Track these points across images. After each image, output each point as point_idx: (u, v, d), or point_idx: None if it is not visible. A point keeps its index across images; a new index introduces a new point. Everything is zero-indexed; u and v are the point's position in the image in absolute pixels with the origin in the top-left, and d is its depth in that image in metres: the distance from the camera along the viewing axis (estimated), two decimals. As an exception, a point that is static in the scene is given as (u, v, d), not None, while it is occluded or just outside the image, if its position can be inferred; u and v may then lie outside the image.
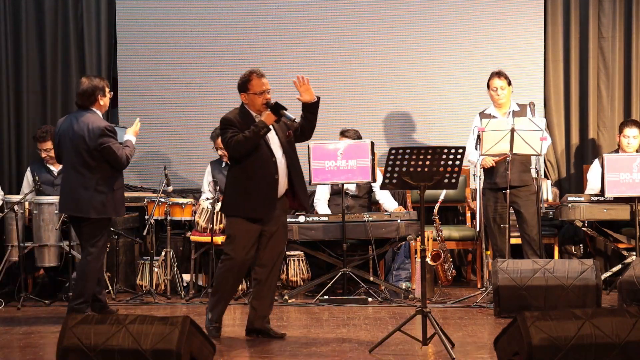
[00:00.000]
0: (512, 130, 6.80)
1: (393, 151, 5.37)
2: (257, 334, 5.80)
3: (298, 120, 5.75)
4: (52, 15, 8.46)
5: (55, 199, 7.32)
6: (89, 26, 8.46)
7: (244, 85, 5.69)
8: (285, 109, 5.61)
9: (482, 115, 7.30)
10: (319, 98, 5.68)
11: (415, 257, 7.56)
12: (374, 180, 7.23)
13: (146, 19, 8.52)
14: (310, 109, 5.69)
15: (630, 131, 7.58)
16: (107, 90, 6.46)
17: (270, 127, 5.61)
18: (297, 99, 5.68)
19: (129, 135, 6.52)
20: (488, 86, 7.29)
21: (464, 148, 5.40)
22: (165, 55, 8.51)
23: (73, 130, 6.33)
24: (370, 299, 7.10)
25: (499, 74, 7.23)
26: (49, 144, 7.59)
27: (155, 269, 7.50)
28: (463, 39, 8.48)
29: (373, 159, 7.18)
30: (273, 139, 5.69)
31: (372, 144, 7.22)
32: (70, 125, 6.36)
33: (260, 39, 8.48)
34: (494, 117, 7.21)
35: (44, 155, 7.66)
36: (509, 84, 7.24)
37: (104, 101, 6.43)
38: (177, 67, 8.51)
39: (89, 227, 6.38)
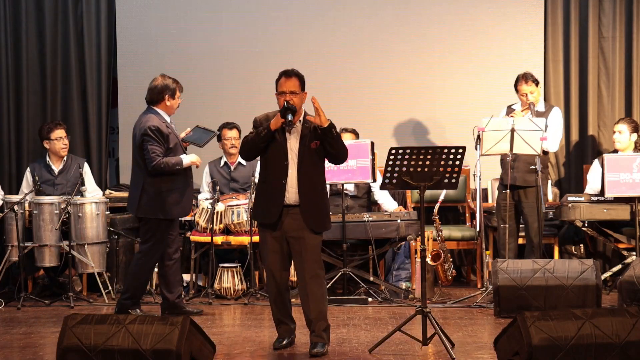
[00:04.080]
0: (512, 130, 6.81)
1: (393, 151, 5.37)
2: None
3: (297, 125, 5.46)
4: (52, 15, 8.45)
5: (55, 199, 7.34)
6: (89, 26, 8.46)
7: (275, 85, 5.57)
8: (293, 113, 5.34)
9: (509, 109, 7.33)
10: (330, 126, 5.35)
11: (415, 257, 7.56)
12: (374, 180, 7.24)
13: (146, 19, 8.52)
14: (321, 136, 5.39)
15: (617, 126, 7.64)
16: (178, 94, 6.50)
17: (289, 131, 5.41)
18: (309, 119, 5.43)
19: (187, 156, 6.46)
20: (516, 90, 7.23)
21: (464, 148, 5.40)
22: (165, 55, 8.50)
23: (134, 129, 6.47)
24: (370, 299, 7.10)
25: (526, 79, 7.15)
26: (60, 132, 7.65)
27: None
28: (463, 39, 8.47)
29: (373, 159, 7.18)
30: (292, 144, 5.46)
31: (372, 144, 7.22)
32: (135, 124, 6.50)
33: (261, 39, 8.48)
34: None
35: (61, 145, 7.67)
36: (537, 84, 7.22)
37: (171, 103, 6.47)
38: (177, 67, 8.50)
39: (141, 226, 6.48)
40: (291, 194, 5.44)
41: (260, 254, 5.77)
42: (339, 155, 5.50)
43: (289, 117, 5.34)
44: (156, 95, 6.46)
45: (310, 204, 5.45)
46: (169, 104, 6.48)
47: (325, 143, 5.41)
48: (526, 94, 7.17)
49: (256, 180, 7.66)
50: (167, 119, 6.49)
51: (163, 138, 6.34)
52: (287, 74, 5.51)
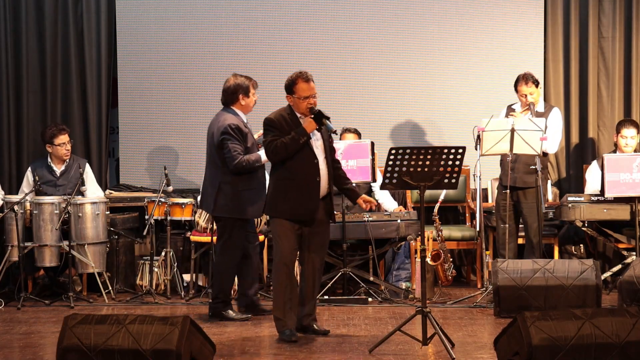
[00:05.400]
0: (512, 130, 6.81)
1: (393, 151, 5.38)
2: (304, 332, 5.85)
3: (338, 131, 6.01)
4: (52, 15, 8.45)
5: (55, 198, 7.34)
6: (89, 26, 8.46)
7: (290, 88, 5.76)
8: (328, 119, 5.71)
9: (509, 109, 7.32)
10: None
11: (415, 257, 7.56)
12: (374, 180, 7.24)
13: (146, 19, 8.52)
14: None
15: (628, 131, 7.56)
16: (252, 91, 6.48)
17: (313, 133, 5.73)
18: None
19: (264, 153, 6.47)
20: (516, 90, 7.22)
21: (464, 148, 5.41)
22: (165, 55, 8.50)
23: (210, 127, 6.48)
24: (370, 299, 7.10)
25: (526, 80, 7.12)
26: (64, 137, 7.65)
27: (155, 269, 7.50)
28: (463, 39, 8.47)
29: (373, 159, 7.18)
30: (316, 142, 5.78)
31: (372, 144, 7.22)
32: (211, 123, 6.52)
33: (261, 39, 8.48)
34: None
35: (64, 151, 7.67)
36: (537, 85, 7.19)
37: (246, 101, 6.45)
38: (177, 67, 8.51)
39: (218, 225, 6.50)
40: (323, 189, 5.79)
41: (275, 244, 5.80)
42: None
43: (331, 126, 5.72)
44: (230, 96, 6.45)
45: (331, 196, 5.89)
46: (244, 103, 6.46)
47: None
48: (526, 95, 7.16)
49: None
50: (244, 118, 6.50)
51: (242, 136, 6.36)
52: (306, 77, 5.75)
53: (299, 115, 5.76)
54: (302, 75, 5.72)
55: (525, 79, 7.15)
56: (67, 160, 7.76)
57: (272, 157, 5.78)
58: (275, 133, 5.70)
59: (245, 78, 6.49)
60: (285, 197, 5.74)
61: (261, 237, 7.47)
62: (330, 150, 5.89)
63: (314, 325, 5.91)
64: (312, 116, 5.70)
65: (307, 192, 5.72)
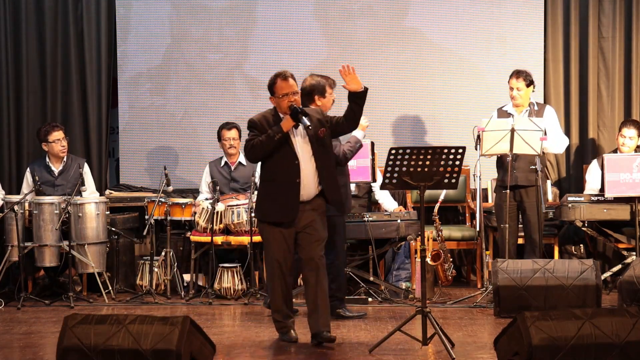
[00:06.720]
0: (512, 130, 6.81)
1: (393, 151, 5.38)
2: (314, 339, 5.63)
3: (313, 127, 5.61)
4: (52, 15, 8.45)
5: (55, 199, 7.34)
6: (89, 26, 8.46)
7: (270, 89, 5.69)
8: (306, 115, 5.54)
9: (500, 111, 7.32)
10: (366, 89, 5.63)
11: (415, 257, 7.56)
12: (374, 180, 7.24)
13: (146, 19, 8.52)
14: (356, 99, 5.63)
15: (628, 131, 7.56)
16: (329, 91, 6.38)
17: (294, 130, 5.57)
18: (343, 87, 5.66)
19: (357, 130, 6.33)
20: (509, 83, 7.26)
21: (464, 148, 5.41)
22: (165, 55, 8.50)
23: None
24: (370, 299, 7.10)
25: (517, 75, 7.15)
26: (58, 134, 7.64)
27: (155, 269, 7.50)
28: (463, 39, 8.47)
29: (373, 159, 7.18)
30: (299, 142, 5.62)
31: (372, 144, 7.22)
32: None
33: (260, 39, 8.48)
34: (510, 114, 7.20)
35: (60, 147, 7.66)
36: (528, 85, 7.20)
37: (322, 102, 6.34)
38: (177, 68, 8.51)
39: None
40: (305, 190, 5.57)
41: (265, 249, 5.77)
42: (358, 119, 5.75)
43: (307, 121, 5.49)
44: (306, 97, 6.32)
45: (331, 187, 5.65)
46: (320, 104, 6.35)
47: (356, 109, 5.66)
48: (513, 88, 7.17)
49: (257, 180, 7.66)
50: None
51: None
52: (284, 76, 5.65)
53: (282, 115, 5.65)
54: (280, 75, 5.65)
55: (517, 73, 7.17)
56: (65, 160, 7.76)
57: (250, 156, 5.69)
58: (255, 133, 5.61)
59: (321, 78, 6.41)
60: (267, 200, 5.64)
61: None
62: (320, 145, 5.62)
63: (325, 334, 5.63)
64: (289, 113, 5.58)
65: (286, 194, 5.55)
